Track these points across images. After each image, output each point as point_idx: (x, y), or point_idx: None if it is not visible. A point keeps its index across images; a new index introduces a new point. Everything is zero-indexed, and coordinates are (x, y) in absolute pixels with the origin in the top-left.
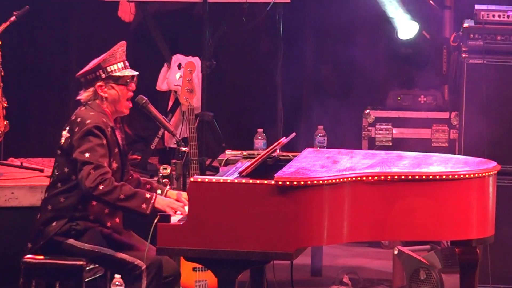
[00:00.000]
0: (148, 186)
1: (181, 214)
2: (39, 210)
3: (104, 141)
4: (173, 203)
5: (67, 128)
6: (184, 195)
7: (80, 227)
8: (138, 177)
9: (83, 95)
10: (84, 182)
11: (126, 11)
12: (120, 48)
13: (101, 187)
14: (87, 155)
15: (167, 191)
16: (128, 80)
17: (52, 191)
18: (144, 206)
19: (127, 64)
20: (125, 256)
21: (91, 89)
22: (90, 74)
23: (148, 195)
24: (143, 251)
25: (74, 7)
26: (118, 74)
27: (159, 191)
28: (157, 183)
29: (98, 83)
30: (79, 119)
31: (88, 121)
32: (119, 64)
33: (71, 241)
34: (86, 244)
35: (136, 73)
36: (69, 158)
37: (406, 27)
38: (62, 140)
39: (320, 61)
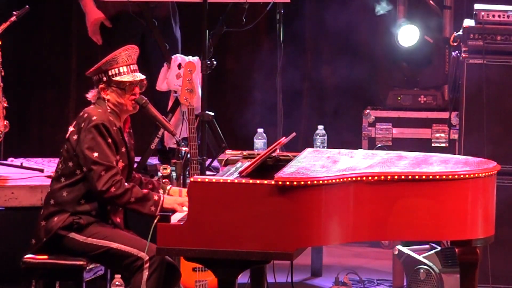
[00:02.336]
0: (150, 186)
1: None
2: (40, 208)
3: (109, 140)
4: (179, 200)
5: (74, 123)
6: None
7: (83, 221)
8: (140, 177)
9: (90, 94)
10: (95, 183)
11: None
12: (124, 52)
13: (112, 189)
14: (96, 154)
15: (170, 189)
16: (127, 85)
17: (55, 185)
18: (153, 208)
19: (133, 68)
20: (128, 249)
21: (96, 90)
22: (95, 76)
23: (156, 197)
24: (145, 244)
25: (74, 7)
26: (117, 78)
27: (161, 191)
28: (159, 183)
29: (101, 85)
30: (86, 115)
31: (95, 117)
32: (121, 68)
33: (73, 234)
34: (89, 238)
35: (138, 78)
36: (74, 153)
37: (407, 33)
38: (67, 135)
39: (320, 60)
